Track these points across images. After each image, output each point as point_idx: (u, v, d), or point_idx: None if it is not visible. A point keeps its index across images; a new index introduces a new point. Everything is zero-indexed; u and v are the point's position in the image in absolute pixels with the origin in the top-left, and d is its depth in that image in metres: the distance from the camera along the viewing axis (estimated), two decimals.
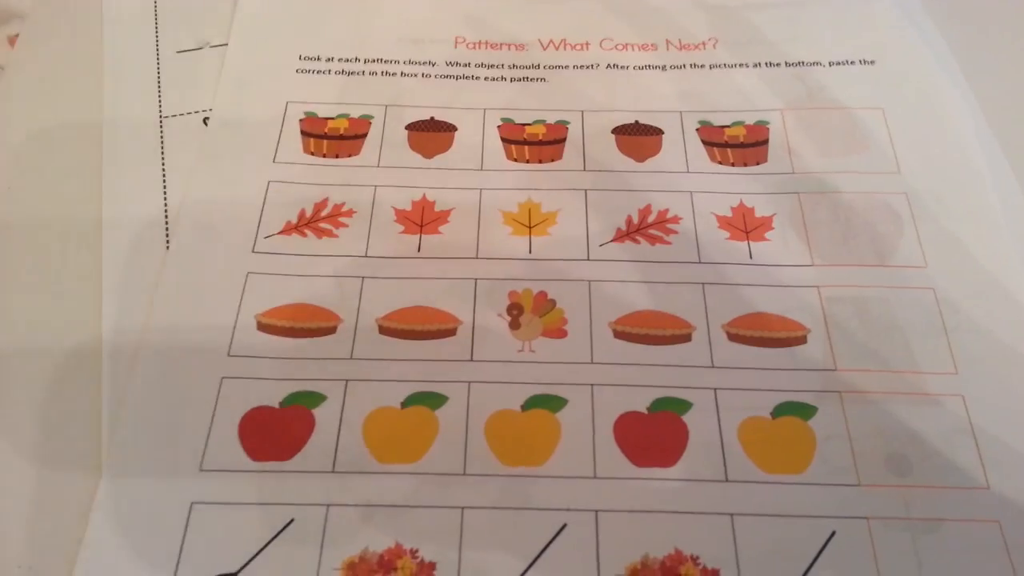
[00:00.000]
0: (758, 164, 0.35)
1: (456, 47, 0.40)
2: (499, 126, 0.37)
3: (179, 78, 0.38)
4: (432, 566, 0.26)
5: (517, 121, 0.37)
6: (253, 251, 0.32)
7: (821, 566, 0.26)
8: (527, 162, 0.35)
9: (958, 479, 0.27)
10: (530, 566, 0.26)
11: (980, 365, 0.30)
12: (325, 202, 0.34)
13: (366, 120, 0.37)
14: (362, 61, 0.39)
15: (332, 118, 0.37)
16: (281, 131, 0.36)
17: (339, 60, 0.39)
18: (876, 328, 0.30)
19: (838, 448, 0.28)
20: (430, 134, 0.36)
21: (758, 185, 0.34)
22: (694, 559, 0.26)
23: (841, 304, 0.31)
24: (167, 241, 0.32)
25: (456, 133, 0.36)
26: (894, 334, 0.30)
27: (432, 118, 0.37)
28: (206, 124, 0.36)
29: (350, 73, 0.38)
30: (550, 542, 0.26)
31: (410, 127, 0.36)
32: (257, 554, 0.26)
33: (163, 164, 0.35)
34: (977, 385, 0.29)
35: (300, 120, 0.36)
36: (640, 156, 0.35)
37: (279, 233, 0.33)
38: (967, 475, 0.27)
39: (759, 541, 0.26)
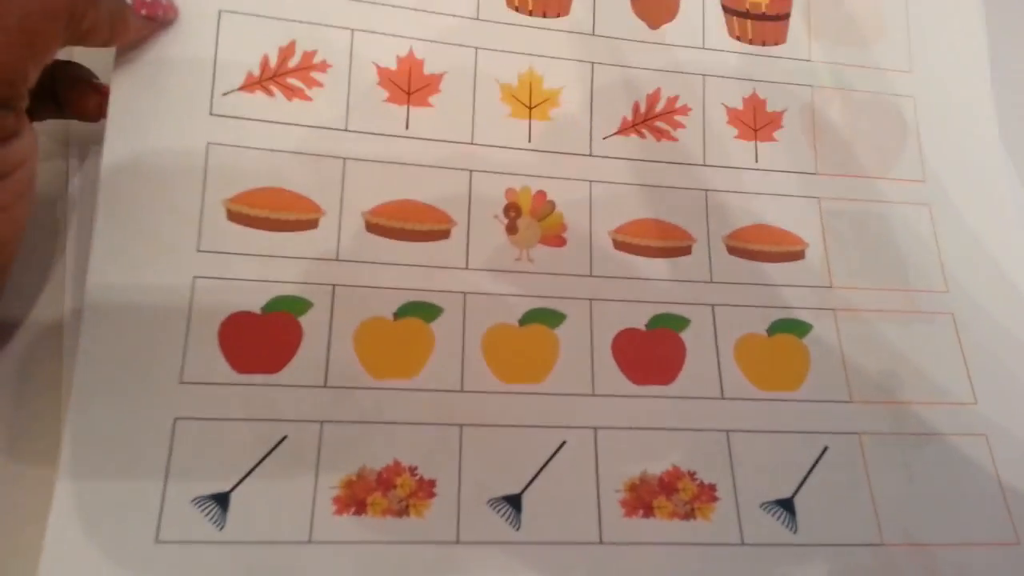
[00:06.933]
0: (776, 44, 0.33)
1: None
2: None
3: None
4: (432, 483, 0.26)
5: None
6: (211, 113, 0.28)
7: (814, 480, 0.27)
8: (530, 13, 0.31)
9: (946, 395, 0.29)
10: (530, 483, 0.26)
11: (970, 282, 0.30)
12: (292, 47, 0.29)
13: None
14: None
15: None
16: None
17: None
18: (872, 244, 0.30)
19: (831, 365, 0.28)
20: None
21: (774, 71, 0.32)
22: (691, 474, 0.27)
23: (840, 218, 0.30)
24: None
25: None
26: (889, 251, 0.30)
27: None
28: None
29: None
30: (549, 459, 0.26)
31: None
32: (250, 473, 0.25)
33: None
34: (966, 303, 0.30)
35: None
36: (655, 20, 0.32)
37: (240, 89, 0.29)
38: (955, 391, 0.29)
39: (754, 456, 0.27)
